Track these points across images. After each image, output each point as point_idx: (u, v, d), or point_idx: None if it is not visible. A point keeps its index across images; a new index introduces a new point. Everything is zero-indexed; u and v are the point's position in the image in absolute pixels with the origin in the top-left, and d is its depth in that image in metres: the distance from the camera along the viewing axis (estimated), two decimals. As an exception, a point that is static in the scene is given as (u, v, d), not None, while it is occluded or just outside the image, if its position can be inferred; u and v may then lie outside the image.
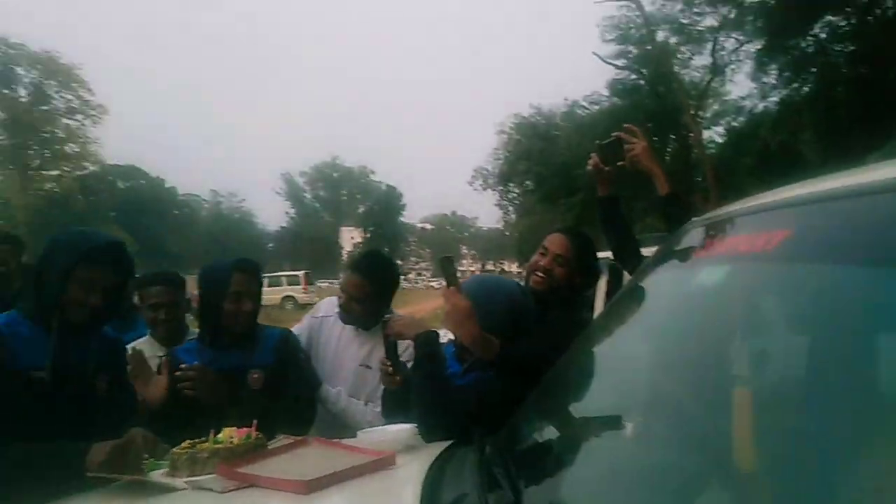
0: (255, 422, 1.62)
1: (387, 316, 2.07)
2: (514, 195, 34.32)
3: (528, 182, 29.86)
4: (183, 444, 1.56)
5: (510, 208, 36.75)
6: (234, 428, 1.60)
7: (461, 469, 1.42)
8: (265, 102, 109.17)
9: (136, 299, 2.67)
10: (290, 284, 27.76)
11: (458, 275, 1.87)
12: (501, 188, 34.78)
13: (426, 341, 1.86)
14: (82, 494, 1.43)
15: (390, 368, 1.97)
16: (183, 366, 2.07)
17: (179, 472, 1.48)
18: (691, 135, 22.35)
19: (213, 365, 2.11)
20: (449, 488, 1.29)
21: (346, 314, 2.47)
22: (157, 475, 1.49)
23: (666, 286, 1.46)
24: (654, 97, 23.06)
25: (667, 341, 1.30)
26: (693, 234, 1.39)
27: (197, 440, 1.57)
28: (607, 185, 2.35)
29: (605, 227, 2.41)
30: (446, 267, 1.86)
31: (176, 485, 1.42)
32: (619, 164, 2.25)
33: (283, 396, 2.18)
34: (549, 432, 1.40)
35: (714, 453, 0.91)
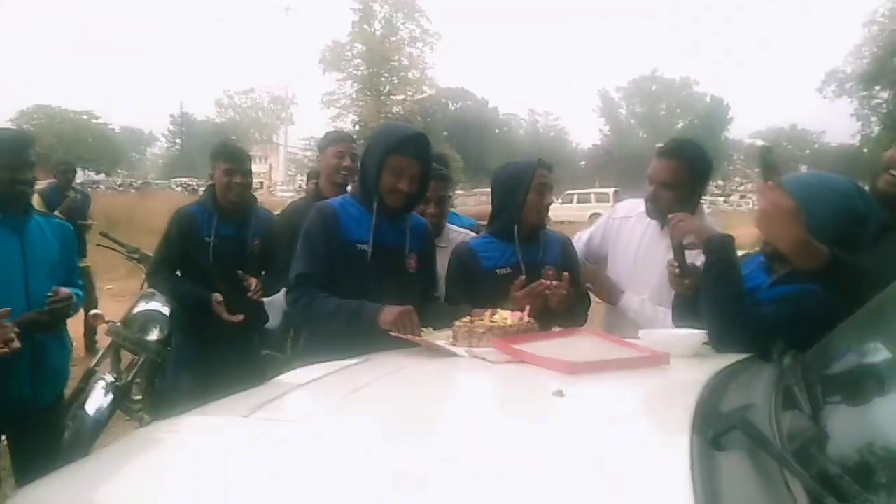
0: (527, 307, 1.67)
1: (671, 215, 1.87)
2: (880, 101, 27.95)
3: (902, 84, 23.99)
4: (464, 319, 1.71)
5: (872, 119, 30.12)
6: (509, 311, 1.68)
7: (753, 382, 1.25)
8: (579, 21, 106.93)
9: None
10: (598, 202, 27.69)
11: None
12: (864, 94, 28.64)
13: (719, 245, 1.65)
14: (385, 350, 1.67)
15: (678, 270, 1.81)
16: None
17: (459, 342, 1.63)
18: None
19: (503, 259, 2.19)
20: (733, 397, 1.15)
21: (654, 206, 2.24)
22: (442, 342, 1.65)
23: None
24: None
25: None
26: None
27: (476, 317, 1.69)
28: None
29: None
30: (766, 158, 1.56)
31: (458, 351, 1.57)
32: None
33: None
34: (876, 356, 1.13)
35: None
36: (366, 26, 43.39)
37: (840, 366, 1.17)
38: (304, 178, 5.74)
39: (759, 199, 1.55)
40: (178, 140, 52.33)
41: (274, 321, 3.45)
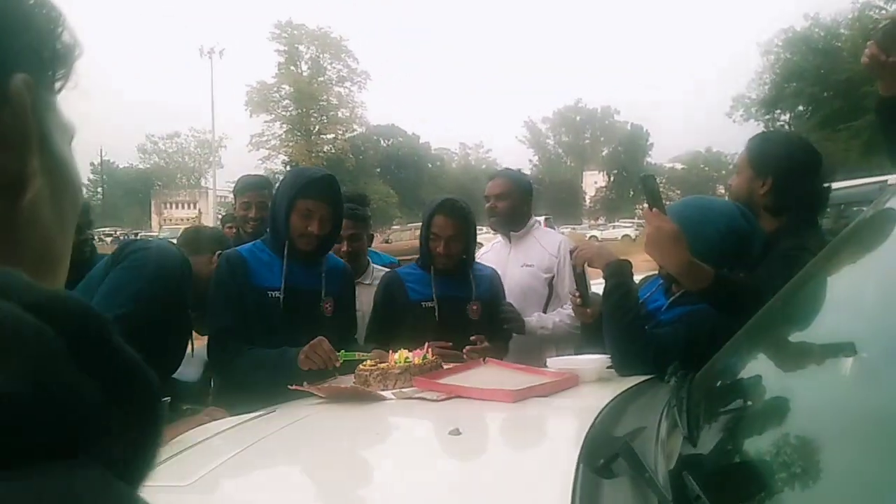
0: (427, 344, 1.68)
1: (574, 245, 1.97)
2: (783, 123, 30.07)
3: (799, 107, 25.91)
4: (365, 363, 1.67)
5: (777, 139, 32.25)
6: (406, 350, 1.67)
7: (648, 405, 1.29)
8: (506, 53, 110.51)
9: None
10: (532, 230, 28.28)
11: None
12: (767, 117, 30.75)
13: (616, 271, 1.72)
14: (308, 400, 1.60)
15: (579, 300, 1.86)
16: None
17: (372, 386, 1.58)
18: None
19: (433, 291, 2.23)
20: (629, 420, 1.18)
21: (495, 220, 2.69)
22: (361, 388, 1.58)
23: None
24: None
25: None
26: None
27: (375, 360, 1.68)
28: (890, 82, 1.85)
29: (889, 139, 1.91)
30: (648, 185, 1.65)
31: (385, 396, 1.51)
32: None
33: (496, 328, 2.28)
34: (752, 373, 1.19)
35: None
36: (292, 67, 43.34)
37: (720, 385, 1.22)
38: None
39: (646, 225, 1.63)
40: (99, 189, 50.32)
41: (194, 374, 3.31)
